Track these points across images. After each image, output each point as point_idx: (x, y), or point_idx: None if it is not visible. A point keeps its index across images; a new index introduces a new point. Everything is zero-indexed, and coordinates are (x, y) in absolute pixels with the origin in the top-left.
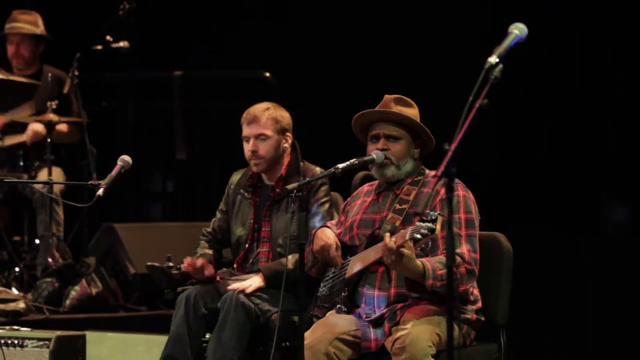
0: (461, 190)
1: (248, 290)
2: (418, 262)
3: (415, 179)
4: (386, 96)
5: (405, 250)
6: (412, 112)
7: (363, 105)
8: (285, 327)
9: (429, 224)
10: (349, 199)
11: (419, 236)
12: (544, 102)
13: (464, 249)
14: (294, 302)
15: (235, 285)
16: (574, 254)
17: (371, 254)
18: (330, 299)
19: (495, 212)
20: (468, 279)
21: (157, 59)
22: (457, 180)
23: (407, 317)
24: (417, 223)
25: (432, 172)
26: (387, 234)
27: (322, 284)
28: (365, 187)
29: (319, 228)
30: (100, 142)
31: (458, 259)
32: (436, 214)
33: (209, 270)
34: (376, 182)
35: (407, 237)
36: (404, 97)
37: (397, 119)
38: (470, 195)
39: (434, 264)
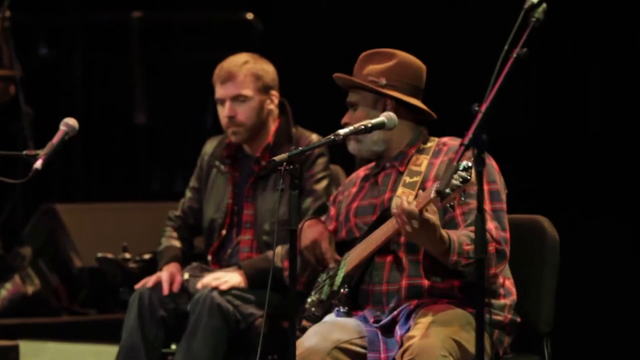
0: None
1: (224, 287)
2: (443, 231)
3: (421, 147)
4: (362, 54)
5: (429, 215)
6: (381, 66)
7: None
8: (272, 334)
9: (462, 173)
10: (340, 187)
11: (448, 191)
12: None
13: (490, 225)
14: (283, 303)
15: (207, 280)
16: (634, 244)
17: (376, 236)
18: (324, 305)
19: (536, 191)
20: (498, 261)
21: None
22: None
23: (419, 317)
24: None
25: (451, 140)
26: (403, 197)
27: (312, 293)
28: (361, 172)
29: (305, 220)
30: (38, 102)
31: None
32: (466, 162)
33: (177, 283)
34: (373, 163)
35: (431, 196)
36: (381, 49)
37: (342, 83)
38: (493, 162)
39: (460, 237)
